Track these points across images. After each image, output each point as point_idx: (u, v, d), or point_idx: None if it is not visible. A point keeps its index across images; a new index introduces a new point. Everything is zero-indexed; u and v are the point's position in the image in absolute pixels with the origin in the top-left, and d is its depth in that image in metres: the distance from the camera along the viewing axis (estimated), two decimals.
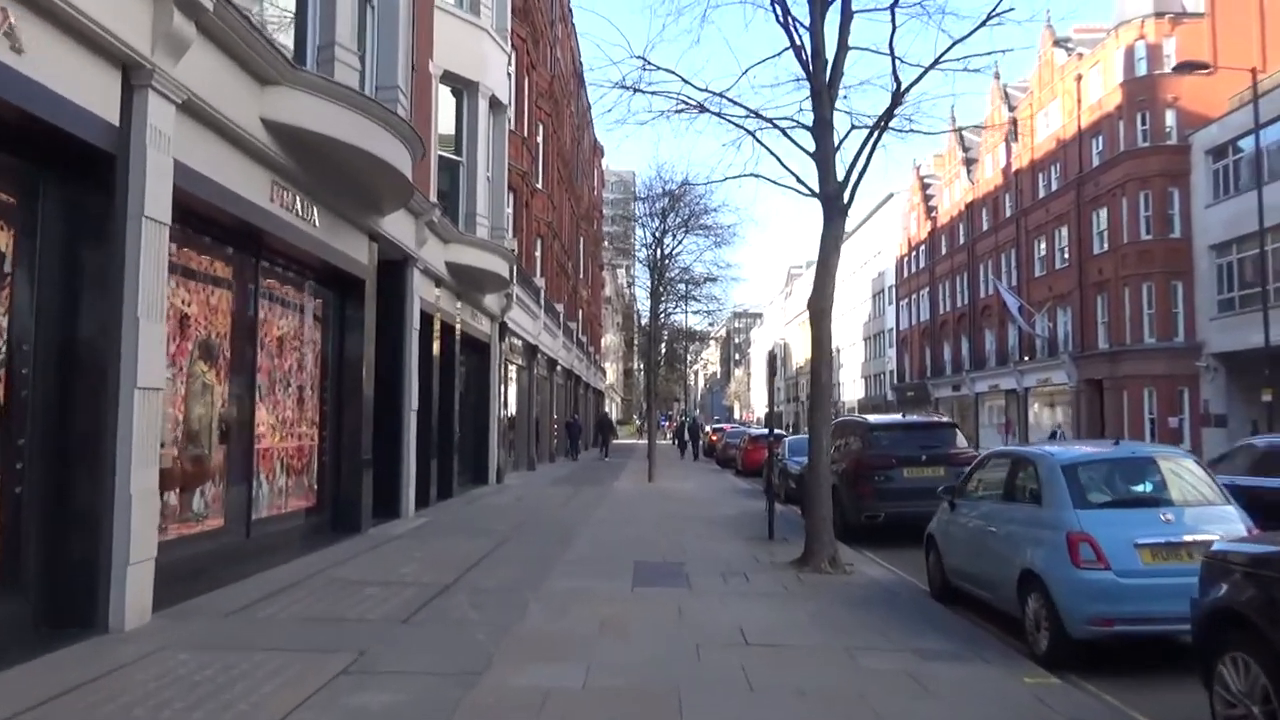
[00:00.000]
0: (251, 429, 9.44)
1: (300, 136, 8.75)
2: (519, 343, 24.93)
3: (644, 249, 24.22)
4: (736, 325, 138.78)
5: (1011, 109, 46.15)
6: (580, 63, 46.12)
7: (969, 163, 52.45)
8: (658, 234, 22.67)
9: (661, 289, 24.49)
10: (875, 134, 9.70)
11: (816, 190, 9.85)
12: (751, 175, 10.83)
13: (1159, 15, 33.79)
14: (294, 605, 7.21)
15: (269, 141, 8.53)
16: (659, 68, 10.22)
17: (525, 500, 16.95)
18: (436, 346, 15.57)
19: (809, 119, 9.86)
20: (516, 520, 13.55)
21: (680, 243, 23.26)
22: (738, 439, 32.99)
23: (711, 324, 36.68)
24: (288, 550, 9.55)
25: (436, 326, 15.56)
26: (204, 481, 8.66)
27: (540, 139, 29.21)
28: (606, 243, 60.19)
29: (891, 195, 68.15)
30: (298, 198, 9.49)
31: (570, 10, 41.06)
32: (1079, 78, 37.93)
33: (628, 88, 10.16)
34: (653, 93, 10.17)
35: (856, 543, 11.77)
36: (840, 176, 9.77)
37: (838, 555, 9.57)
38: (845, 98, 12.64)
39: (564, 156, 36.00)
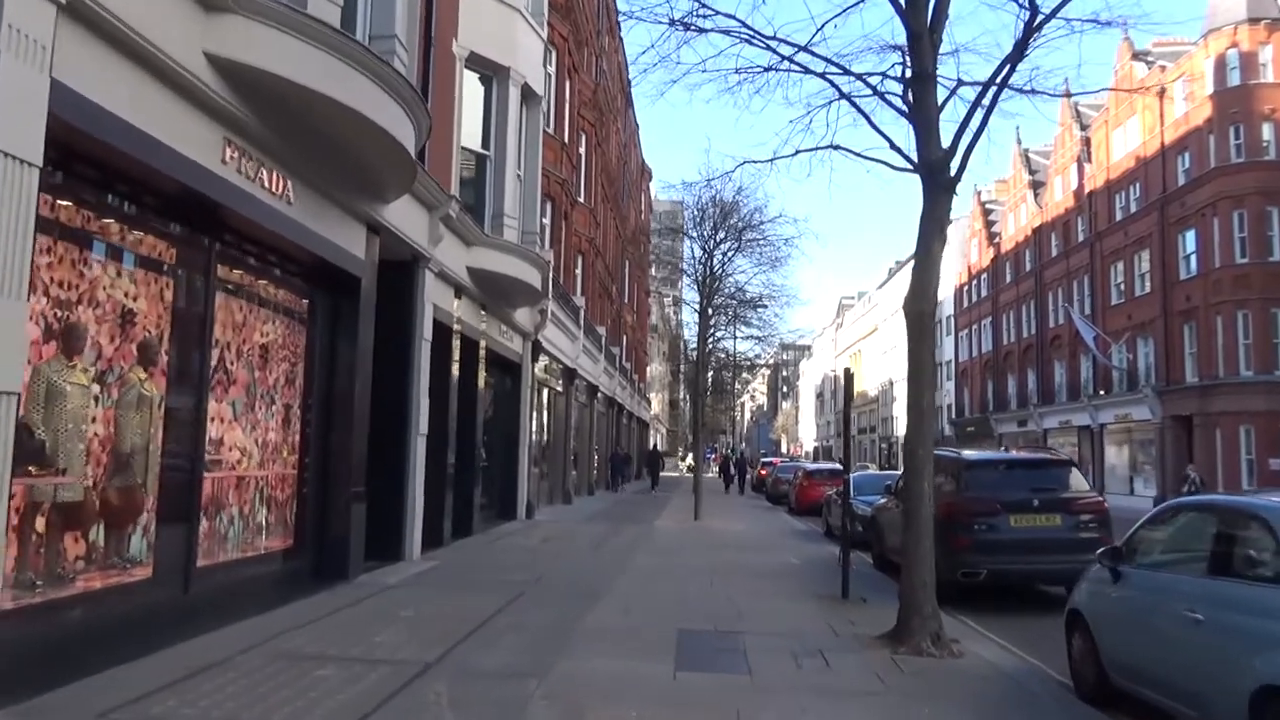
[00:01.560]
0: (197, 452, 7.53)
1: (258, 81, 6.89)
2: (555, 365, 23.00)
3: (692, 266, 22.17)
4: (785, 358, 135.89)
5: (1084, 128, 43.53)
6: (628, 80, 44.64)
7: (1035, 186, 49.75)
8: (708, 247, 20.61)
9: (710, 309, 22.36)
10: (993, 89, 7.60)
11: (914, 161, 7.75)
12: (831, 147, 8.68)
13: (1254, 21, 31.15)
14: (204, 699, 5.20)
15: (218, 86, 6.68)
16: (719, 12, 8.23)
17: (554, 541, 14.87)
18: (455, 363, 13.65)
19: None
20: (540, 567, 11.47)
21: (731, 259, 21.18)
22: (790, 474, 30.62)
23: (760, 351, 34.31)
24: (239, 607, 7.57)
25: (456, 341, 13.66)
26: (130, 519, 6.76)
27: (583, 150, 27.49)
28: (653, 268, 58.44)
29: (951, 221, 65.42)
30: (264, 166, 7.63)
31: (619, 24, 39.59)
32: (1162, 92, 35.27)
33: (681, 24, 8.16)
34: (714, 30, 8.14)
35: (944, 603, 9.46)
36: (947, 143, 7.67)
37: (942, 631, 7.33)
38: (954, 52, 10.51)
39: (609, 174, 34.29)
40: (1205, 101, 32.12)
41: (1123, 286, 38.46)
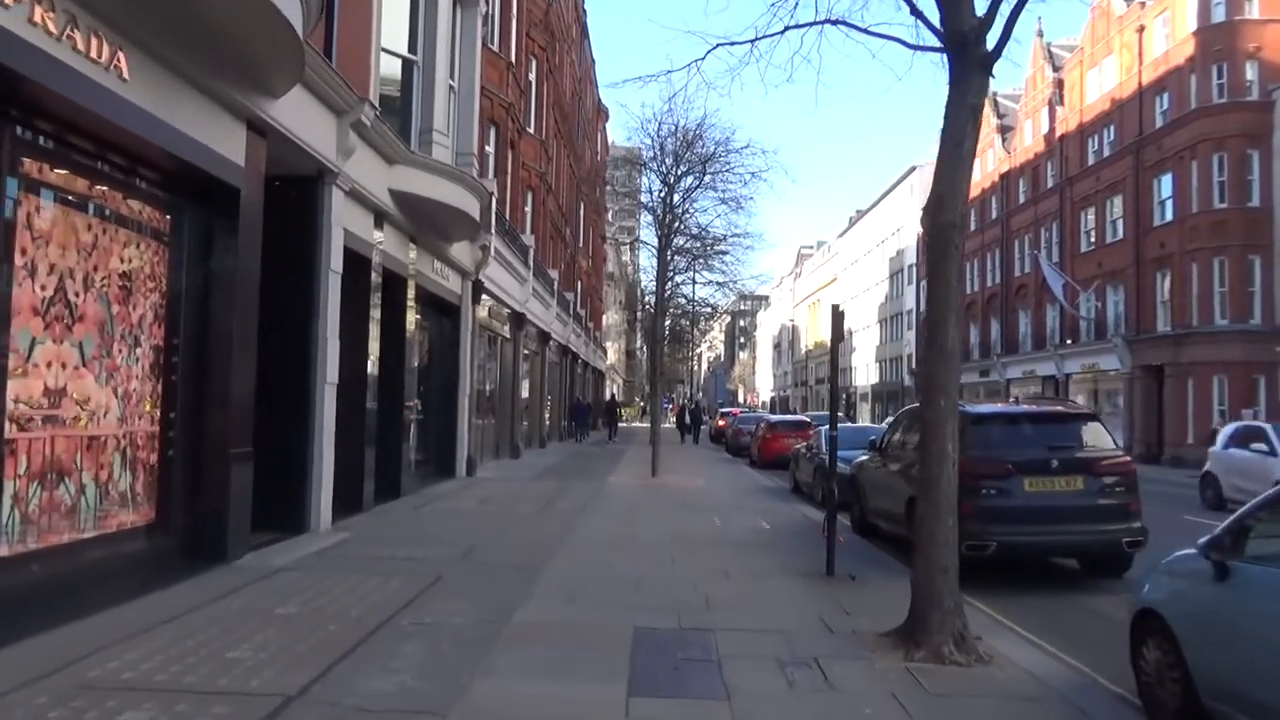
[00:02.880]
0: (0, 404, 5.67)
1: None
2: (501, 309, 21.12)
3: (651, 201, 20.22)
4: (743, 307, 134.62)
5: (1056, 69, 42.06)
6: (584, 10, 42.09)
7: (1004, 130, 48.39)
8: (668, 180, 18.65)
9: (670, 251, 20.50)
10: None
11: (940, 32, 6.01)
12: (829, 21, 6.76)
13: None
14: None
15: None
16: None
17: (493, 502, 13.18)
18: (377, 301, 11.77)
19: None
20: (471, 537, 9.79)
21: (693, 196, 19.26)
22: (752, 425, 29.23)
23: (722, 297, 32.52)
24: (68, 606, 5.78)
25: (376, 275, 11.77)
26: None
27: (533, 77, 25.31)
28: (610, 214, 56.05)
29: (914, 168, 64.01)
30: (86, 28, 5.67)
31: None
32: (1141, 29, 33.83)
33: None
34: None
35: None
36: (981, 11, 5.94)
37: (967, 630, 5.80)
38: None
39: (562, 107, 32.08)
40: (1188, 39, 30.71)
41: (1093, 234, 37.37)
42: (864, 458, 12.14)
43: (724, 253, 23.15)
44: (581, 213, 41.75)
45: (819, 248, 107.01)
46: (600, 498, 14.37)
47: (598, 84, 47.84)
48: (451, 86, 13.83)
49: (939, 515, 5.93)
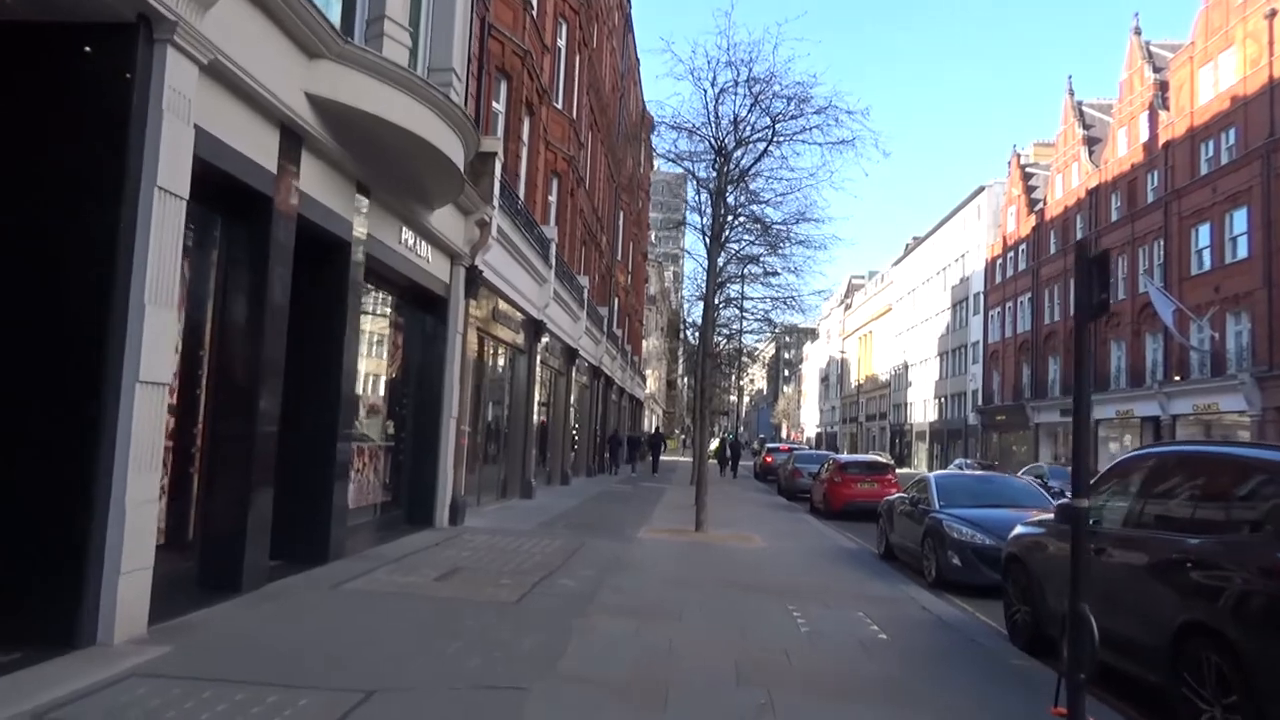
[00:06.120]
0: None
1: None
2: (513, 313, 17.01)
3: (698, 177, 15.79)
4: (786, 340, 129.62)
5: (1158, 70, 37.38)
6: (629, 4, 38.39)
7: (1090, 142, 43.67)
8: (724, 141, 14.24)
9: (725, 237, 16.08)
10: None
11: None
12: None
13: None
14: None
15: None
16: None
17: (459, 577, 8.88)
18: (283, 268, 7.65)
19: None
20: (375, 669, 5.52)
21: (759, 163, 14.75)
22: (815, 466, 24.72)
23: (777, 314, 27.97)
24: None
25: (286, 227, 7.66)
26: None
27: (562, 43, 21.41)
28: (652, 234, 52.14)
29: (982, 188, 59.30)
30: None
31: None
32: (1274, 13, 29.13)
33: None
34: None
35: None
36: None
37: None
38: None
39: (599, 93, 28.19)
40: None
41: (1208, 253, 32.45)
42: (1034, 531, 7.74)
43: (789, 244, 18.48)
44: (620, 223, 37.76)
45: (870, 277, 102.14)
46: (623, 570, 10.03)
47: (642, 86, 44.07)
48: None
49: None
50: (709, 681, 5.55)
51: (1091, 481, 7.38)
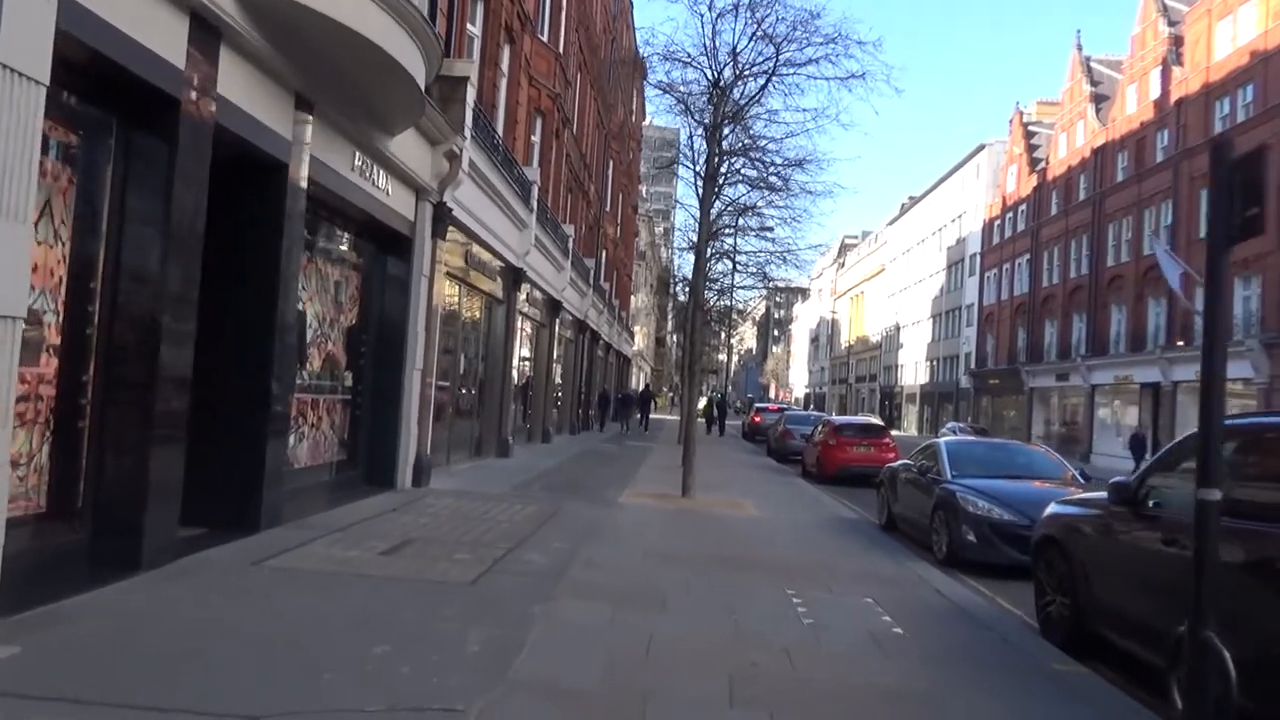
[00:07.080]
0: None
1: None
2: (489, 258, 15.75)
3: (691, 105, 14.37)
4: (777, 300, 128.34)
5: (1172, 24, 35.91)
6: None
7: (1098, 99, 42.23)
8: (720, 74, 12.89)
9: (720, 180, 14.79)
10: None
11: None
12: None
13: None
14: None
15: None
16: None
17: (410, 549, 7.77)
18: (194, 187, 6.41)
19: None
20: (265, 689, 4.42)
21: (757, 100, 13.44)
22: (808, 427, 23.74)
23: (774, 268, 26.73)
24: None
25: (196, 134, 6.40)
26: None
27: None
28: (643, 187, 50.45)
29: (982, 146, 57.86)
30: None
31: None
32: None
33: None
34: None
35: None
36: None
37: None
38: None
39: (589, 29, 26.63)
40: None
41: None
42: (1076, 512, 6.67)
43: (788, 194, 17.23)
44: (610, 173, 36.31)
45: (864, 237, 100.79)
46: (599, 541, 8.95)
47: (635, 30, 42.26)
48: None
49: None
50: (696, 697, 4.46)
51: (1156, 456, 6.31)
